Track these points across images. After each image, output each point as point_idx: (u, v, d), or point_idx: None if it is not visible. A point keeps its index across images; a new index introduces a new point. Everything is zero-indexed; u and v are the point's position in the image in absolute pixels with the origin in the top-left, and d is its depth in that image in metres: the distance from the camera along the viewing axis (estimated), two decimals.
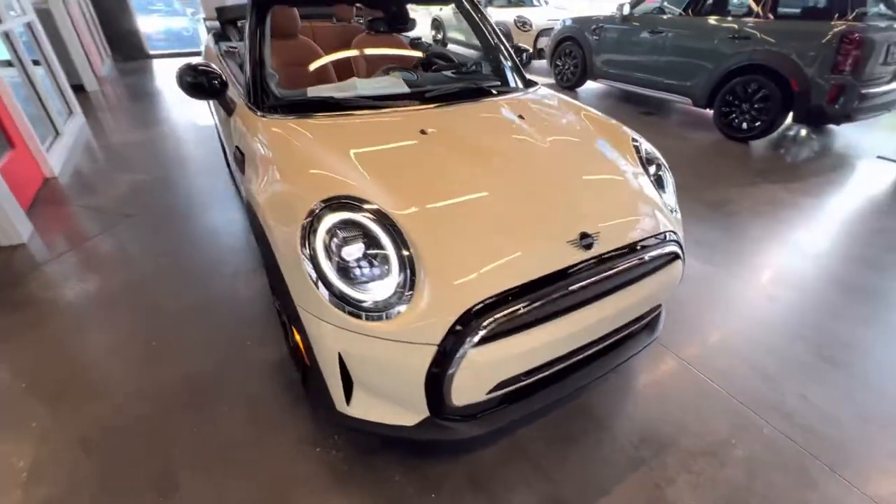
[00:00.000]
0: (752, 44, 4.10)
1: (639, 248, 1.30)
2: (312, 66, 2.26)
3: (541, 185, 1.37)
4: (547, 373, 1.27)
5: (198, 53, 8.61)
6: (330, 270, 1.10)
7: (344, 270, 1.11)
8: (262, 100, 1.68)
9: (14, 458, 1.41)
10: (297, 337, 1.26)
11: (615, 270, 1.22)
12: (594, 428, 1.55)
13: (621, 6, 5.34)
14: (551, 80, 6.59)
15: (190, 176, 3.56)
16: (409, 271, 1.10)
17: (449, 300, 1.08)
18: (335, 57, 2.38)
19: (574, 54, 6.08)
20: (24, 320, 1.99)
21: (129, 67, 7.60)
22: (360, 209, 1.16)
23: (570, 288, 1.15)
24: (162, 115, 5.14)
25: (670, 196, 1.61)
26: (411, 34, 2.94)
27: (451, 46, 7.34)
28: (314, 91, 1.76)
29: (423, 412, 1.20)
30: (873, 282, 2.39)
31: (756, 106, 4.17)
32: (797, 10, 4.11)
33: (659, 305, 1.57)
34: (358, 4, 2.88)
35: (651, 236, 1.35)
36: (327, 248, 1.11)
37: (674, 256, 1.41)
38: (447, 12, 8.95)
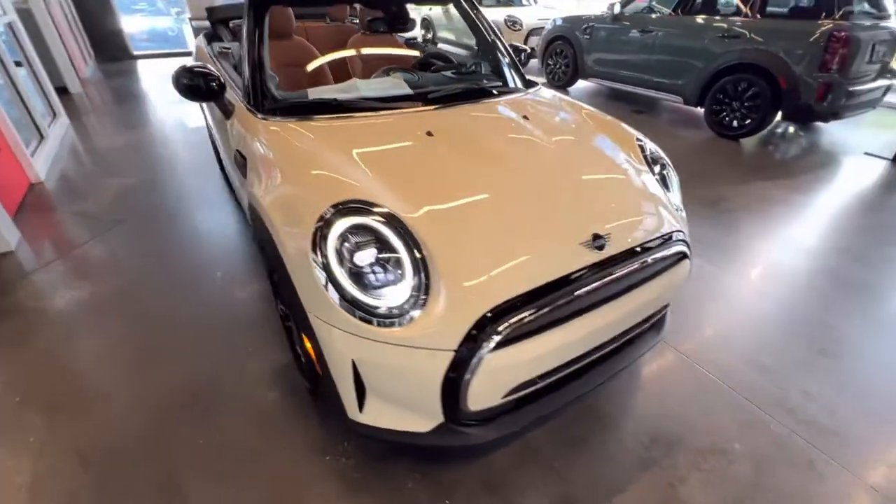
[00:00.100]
0: (742, 43, 4.16)
1: (649, 248, 1.30)
2: (310, 67, 2.22)
3: (550, 187, 1.36)
4: (560, 375, 1.26)
5: (184, 54, 8.56)
6: (343, 277, 1.08)
7: (357, 276, 1.09)
8: (262, 102, 1.64)
9: (12, 473, 1.36)
10: (308, 344, 1.23)
11: (628, 271, 1.22)
12: (603, 428, 1.55)
13: (612, 5, 5.37)
14: (542, 80, 6.62)
15: (180, 179, 3.49)
16: (423, 275, 1.09)
17: (465, 304, 1.07)
18: (333, 57, 2.35)
19: (565, 53, 6.11)
20: (13, 331, 1.93)
21: (114, 69, 7.43)
22: (370, 213, 1.14)
23: (585, 290, 1.14)
24: (148, 117, 5.04)
25: (676, 195, 1.61)
26: (406, 34, 2.92)
27: (441, 46, 7.33)
28: (315, 92, 1.73)
29: (437, 418, 1.18)
30: (862, 276, 2.44)
31: (746, 104, 4.23)
32: (785, 10, 4.17)
33: (666, 304, 1.58)
34: (353, 5, 2.85)
35: (660, 236, 1.35)
36: (339, 254, 1.09)
37: (682, 255, 1.41)
38: (437, 12, 8.92)
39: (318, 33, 2.84)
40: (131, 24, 8.81)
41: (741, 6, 4.31)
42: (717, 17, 4.44)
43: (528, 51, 2.37)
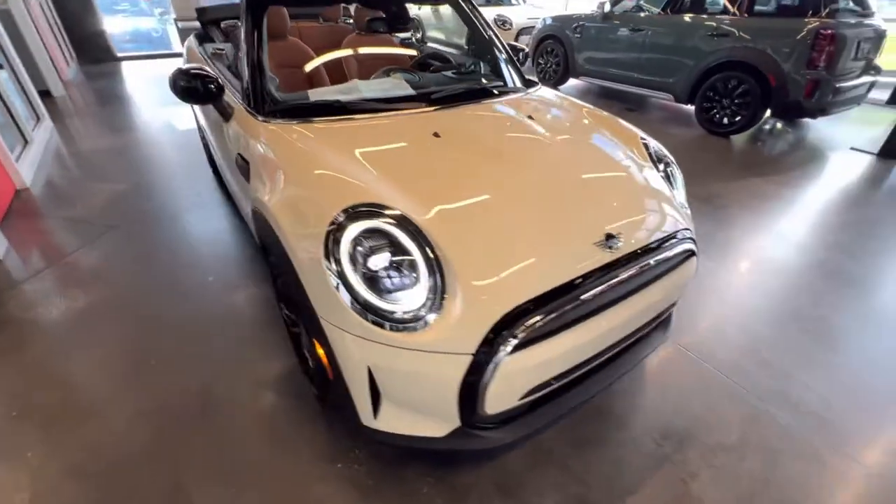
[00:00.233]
0: (731, 41, 4.21)
1: (659, 246, 1.31)
2: (307, 67, 2.19)
3: (561, 187, 1.36)
4: (575, 375, 1.26)
5: (170, 55, 8.40)
6: (357, 283, 1.06)
7: (371, 280, 1.07)
8: (263, 104, 1.61)
9: (12, 491, 1.31)
10: (320, 350, 1.21)
11: (641, 270, 1.22)
12: (613, 426, 1.55)
13: (601, 4, 5.40)
14: (533, 79, 6.63)
15: (171, 183, 3.42)
16: (438, 278, 1.07)
17: (482, 307, 1.06)
18: (330, 57, 2.32)
19: (556, 52, 6.13)
20: (5, 343, 1.87)
21: (97, 71, 7.27)
22: (382, 216, 1.13)
23: (602, 290, 1.14)
24: (134, 120, 4.93)
25: (680, 192, 1.63)
26: (400, 35, 2.89)
27: (430, 46, 7.30)
28: (317, 94, 1.70)
29: (453, 422, 1.17)
30: (850, 268, 2.49)
31: (736, 101, 4.29)
32: (772, 8, 4.23)
33: (674, 302, 1.59)
34: (347, 5, 2.81)
35: (670, 234, 1.36)
36: (353, 259, 1.07)
37: (690, 253, 1.42)
38: (426, 11, 8.89)
39: (311, 33, 2.80)
40: (114, 25, 8.61)
41: (728, 5, 4.37)
42: (706, 16, 4.50)
43: (526, 50, 2.37)
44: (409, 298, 1.06)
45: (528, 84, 2.08)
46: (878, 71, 4.53)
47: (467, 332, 1.04)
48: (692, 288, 2.24)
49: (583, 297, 1.11)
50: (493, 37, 2.22)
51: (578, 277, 1.14)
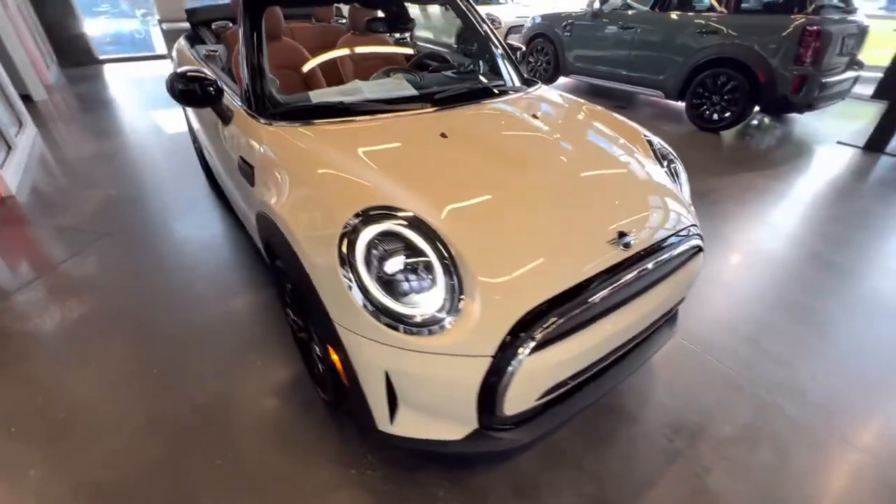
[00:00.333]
0: (720, 38, 4.27)
1: (670, 243, 1.31)
2: (305, 68, 2.16)
3: (571, 186, 1.36)
4: (590, 373, 1.26)
5: (154, 57, 8.24)
6: (374, 287, 1.04)
7: (387, 284, 1.06)
8: (264, 107, 1.58)
9: None
10: (335, 356, 1.19)
11: (653, 267, 1.23)
12: (624, 423, 1.56)
13: (591, 2, 5.43)
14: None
15: (162, 187, 3.35)
16: (456, 279, 1.06)
17: (500, 307, 1.05)
18: (326, 58, 2.29)
19: (546, 51, 6.15)
20: None
21: (79, 74, 7.10)
22: (396, 218, 1.11)
23: (617, 288, 1.14)
24: (120, 124, 4.83)
25: (685, 188, 1.64)
26: (395, 34, 2.87)
27: (419, 45, 7.27)
28: (318, 95, 1.68)
29: (471, 424, 1.16)
30: (841, 260, 2.54)
31: (726, 97, 4.35)
32: (759, 6, 4.29)
33: (682, 298, 1.60)
34: (339, 4, 2.78)
35: (679, 230, 1.36)
36: (368, 263, 1.06)
37: (698, 249, 1.43)
38: (414, 11, 8.85)
39: (304, 34, 2.77)
40: (95, 27, 8.42)
41: (714, 3, 4.42)
42: (690, 13, 4.54)
43: (523, 49, 2.36)
44: (427, 301, 1.05)
45: (529, 83, 2.08)
46: (860, 66, 4.63)
47: (487, 334, 1.03)
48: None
49: (599, 295, 1.11)
50: (493, 36, 2.22)
51: (594, 276, 1.14)
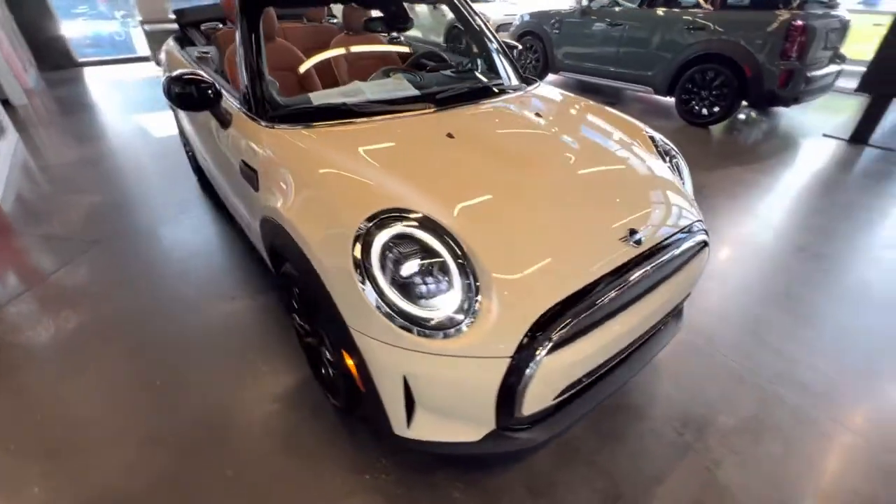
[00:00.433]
0: (707, 34, 4.32)
1: (678, 238, 1.32)
2: (301, 69, 2.13)
3: (579, 184, 1.36)
4: (603, 371, 1.26)
5: (136, 59, 8.06)
6: (390, 291, 1.03)
7: (404, 288, 1.05)
8: (265, 109, 1.55)
9: None
10: (349, 361, 1.18)
11: (664, 263, 1.24)
12: (634, 418, 1.57)
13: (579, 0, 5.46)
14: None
15: (151, 193, 3.28)
16: (471, 280, 1.05)
17: (517, 308, 1.05)
18: (322, 58, 2.26)
19: (535, 48, 6.16)
20: None
21: (58, 77, 6.91)
22: (409, 220, 1.10)
23: (629, 284, 1.15)
24: (103, 128, 4.72)
25: (688, 183, 1.65)
26: (389, 34, 2.84)
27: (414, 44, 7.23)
28: (319, 97, 1.65)
29: (488, 426, 1.16)
30: (829, 251, 2.60)
31: (714, 92, 4.40)
32: (745, 2, 4.35)
33: (689, 293, 1.61)
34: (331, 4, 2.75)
35: (686, 226, 1.38)
36: (383, 267, 1.05)
37: (704, 244, 1.44)
38: None
39: (295, 34, 2.73)
40: (73, 29, 8.19)
41: (701, 0, 4.48)
42: (680, 10, 4.59)
43: (520, 47, 2.36)
44: (444, 303, 1.04)
45: (528, 81, 2.08)
46: (843, 60, 4.73)
47: (505, 335, 1.03)
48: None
49: (614, 292, 1.12)
50: (491, 35, 2.21)
51: (607, 274, 1.14)
